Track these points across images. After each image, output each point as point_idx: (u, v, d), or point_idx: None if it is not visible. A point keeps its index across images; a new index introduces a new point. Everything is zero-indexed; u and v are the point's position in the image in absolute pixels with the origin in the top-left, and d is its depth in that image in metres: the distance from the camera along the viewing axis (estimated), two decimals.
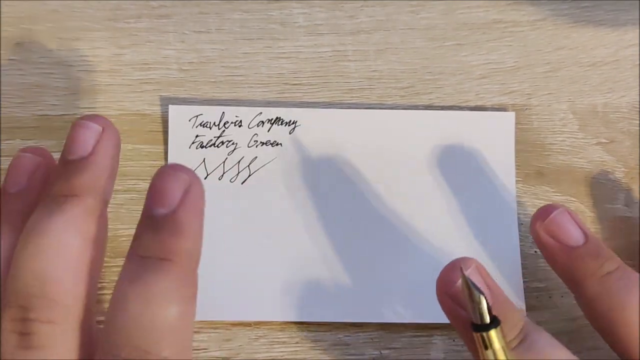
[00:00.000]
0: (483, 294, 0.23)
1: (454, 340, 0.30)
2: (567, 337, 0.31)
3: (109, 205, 0.31)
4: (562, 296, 0.31)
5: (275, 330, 0.30)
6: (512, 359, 0.23)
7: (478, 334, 0.23)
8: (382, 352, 0.30)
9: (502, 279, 0.31)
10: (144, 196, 0.31)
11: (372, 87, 0.34)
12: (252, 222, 0.31)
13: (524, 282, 0.31)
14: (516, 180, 0.32)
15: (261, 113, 0.32)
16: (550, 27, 0.35)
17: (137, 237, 0.21)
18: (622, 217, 0.32)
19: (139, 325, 0.19)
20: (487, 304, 0.23)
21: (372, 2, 0.35)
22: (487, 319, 0.23)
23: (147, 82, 0.33)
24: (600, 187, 0.33)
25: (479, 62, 0.34)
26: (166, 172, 0.21)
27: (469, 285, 0.23)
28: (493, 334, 0.23)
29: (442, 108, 0.33)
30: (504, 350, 0.23)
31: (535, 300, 0.31)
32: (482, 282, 0.24)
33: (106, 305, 0.31)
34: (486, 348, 0.23)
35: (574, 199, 0.33)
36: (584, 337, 0.31)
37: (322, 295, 0.30)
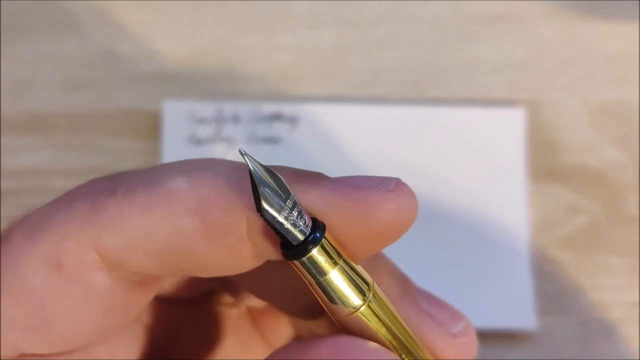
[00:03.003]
0: (280, 176, 0.15)
1: None
2: (578, 341, 0.31)
3: None
4: (572, 299, 0.31)
5: None
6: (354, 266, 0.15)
7: (299, 261, 0.15)
8: None
9: (510, 281, 0.31)
10: None
11: (376, 81, 0.33)
12: None
13: (533, 284, 0.31)
14: (526, 179, 0.32)
15: (260, 108, 0.32)
16: (562, 20, 0.35)
17: None
18: (633, 217, 0.32)
19: None
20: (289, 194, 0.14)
21: None
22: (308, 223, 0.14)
23: (141, 77, 0.33)
24: (612, 186, 0.33)
25: (487, 56, 0.34)
26: None
27: (261, 169, 0.14)
28: (322, 249, 0.15)
29: (449, 103, 0.33)
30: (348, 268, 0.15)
31: (545, 303, 0.31)
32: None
33: None
34: (320, 275, 0.15)
35: (584, 198, 0.32)
36: (595, 341, 0.31)
37: None
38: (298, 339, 0.20)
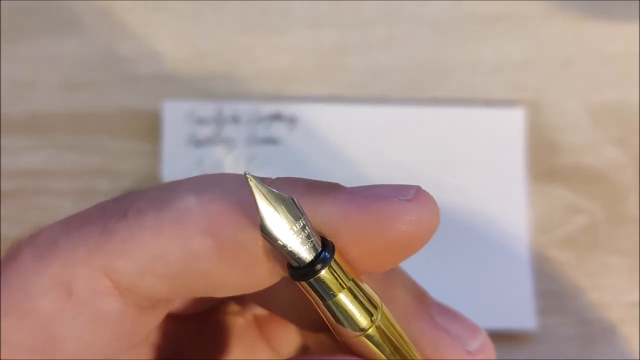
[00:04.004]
0: (293, 199, 0.14)
1: None
2: (578, 341, 0.31)
3: None
4: (572, 300, 0.31)
5: None
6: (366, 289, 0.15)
7: (305, 283, 0.14)
8: None
9: (510, 281, 0.31)
10: None
11: (375, 81, 0.33)
12: None
13: (533, 284, 0.31)
14: (525, 179, 0.32)
15: (259, 109, 0.32)
16: (561, 20, 0.34)
17: None
18: (633, 217, 0.32)
19: None
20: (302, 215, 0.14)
21: None
22: (316, 247, 0.14)
23: (141, 77, 0.33)
24: (612, 186, 0.32)
25: (487, 56, 0.34)
26: None
27: (264, 192, 0.14)
28: (331, 270, 0.14)
29: (449, 103, 0.33)
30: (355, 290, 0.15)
31: (546, 303, 0.31)
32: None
33: None
34: (327, 297, 0.14)
35: (584, 198, 0.32)
36: (595, 342, 0.31)
37: None
38: (305, 348, 0.20)
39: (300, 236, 0.14)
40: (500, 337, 0.30)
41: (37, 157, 0.32)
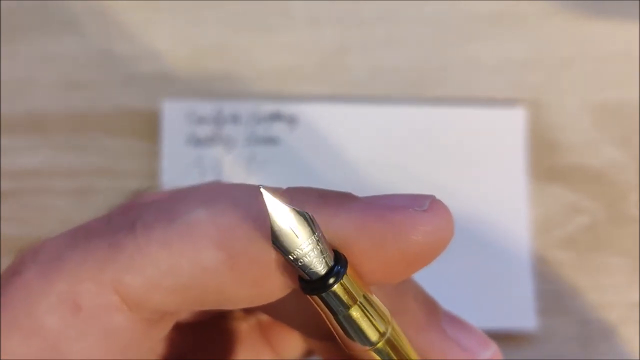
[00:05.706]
0: (309, 216, 0.14)
1: None
2: (578, 341, 0.31)
3: (97, 204, 0.31)
4: (572, 300, 0.31)
5: None
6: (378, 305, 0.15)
7: (317, 297, 0.14)
8: None
9: (510, 281, 0.31)
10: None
11: (375, 81, 0.33)
12: None
13: (534, 284, 0.31)
14: (526, 179, 0.32)
15: (259, 108, 0.32)
16: (563, 19, 0.34)
17: None
18: (634, 217, 0.32)
19: None
20: (317, 231, 0.14)
21: None
22: (326, 263, 0.14)
23: (140, 76, 0.33)
24: (612, 186, 0.32)
25: (488, 56, 0.34)
26: None
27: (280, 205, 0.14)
28: (344, 284, 0.14)
29: (450, 103, 0.33)
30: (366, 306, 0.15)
31: (546, 303, 0.31)
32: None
33: None
34: (338, 311, 0.14)
35: (585, 198, 0.32)
36: (595, 342, 0.31)
37: None
38: (309, 353, 0.20)
39: (313, 250, 0.14)
40: (501, 337, 0.30)
41: (37, 157, 0.32)
